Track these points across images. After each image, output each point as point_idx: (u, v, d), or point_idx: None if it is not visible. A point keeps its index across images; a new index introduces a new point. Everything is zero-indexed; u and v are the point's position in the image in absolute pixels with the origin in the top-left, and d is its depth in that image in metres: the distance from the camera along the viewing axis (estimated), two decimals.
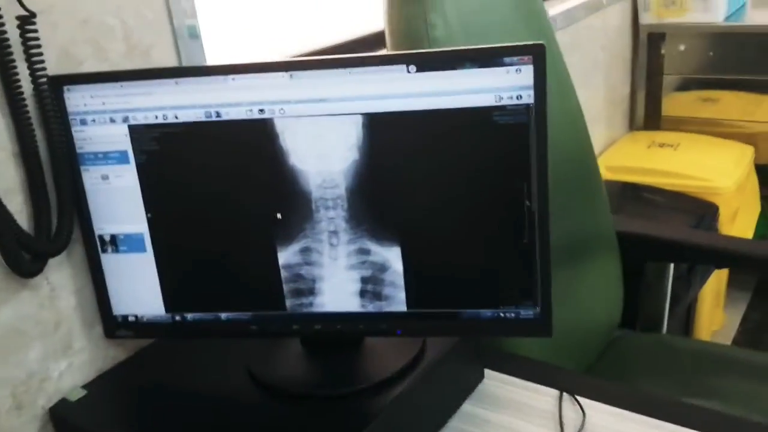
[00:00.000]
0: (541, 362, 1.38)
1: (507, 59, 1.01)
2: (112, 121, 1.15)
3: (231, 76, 1.11)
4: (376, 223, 1.29)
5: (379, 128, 1.10)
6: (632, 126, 3.39)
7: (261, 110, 1.13)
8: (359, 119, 1.11)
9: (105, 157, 1.18)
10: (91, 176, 1.20)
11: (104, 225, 1.23)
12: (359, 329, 1.24)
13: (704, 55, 3.19)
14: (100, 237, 1.23)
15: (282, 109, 1.12)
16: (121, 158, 1.18)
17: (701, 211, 2.55)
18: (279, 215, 1.31)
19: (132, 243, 1.22)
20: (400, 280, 1.20)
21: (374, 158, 1.12)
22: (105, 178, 1.19)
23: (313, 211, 1.24)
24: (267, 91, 1.11)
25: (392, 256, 1.29)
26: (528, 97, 1.03)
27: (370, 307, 1.32)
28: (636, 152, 3.02)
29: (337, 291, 1.23)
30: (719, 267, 2.58)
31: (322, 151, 1.13)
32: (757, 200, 3.22)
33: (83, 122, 1.15)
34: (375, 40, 2.03)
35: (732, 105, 3.10)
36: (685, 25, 3.05)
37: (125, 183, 1.19)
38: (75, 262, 1.25)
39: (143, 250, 1.23)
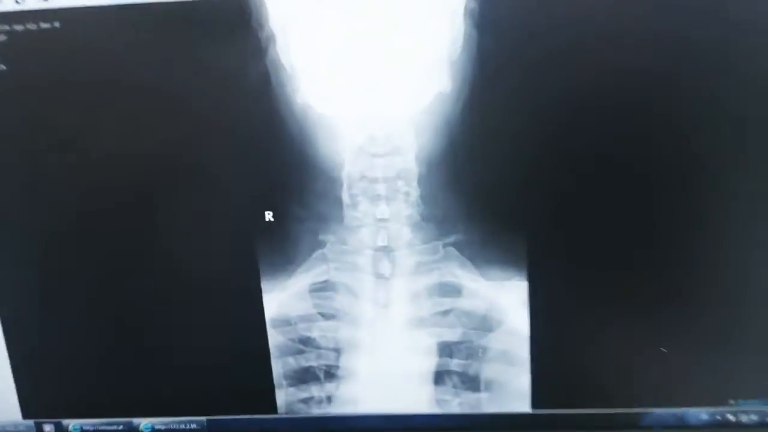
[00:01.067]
0: None
1: None
2: None
3: None
4: (481, 232, 0.59)
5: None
6: None
7: None
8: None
9: None
10: None
11: None
12: None
13: None
14: None
15: None
16: None
17: None
18: (269, 215, 0.60)
19: None
20: (524, 350, 0.63)
21: (493, 88, 0.53)
22: None
23: (343, 206, 0.60)
24: None
25: (508, 301, 0.60)
26: None
27: (456, 407, 0.63)
28: None
29: (388, 374, 0.62)
30: None
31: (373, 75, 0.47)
32: None
33: None
34: None
35: None
36: None
37: None
38: None
39: None
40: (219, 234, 0.62)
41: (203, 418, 0.67)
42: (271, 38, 0.57)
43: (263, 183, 0.59)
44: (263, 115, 0.58)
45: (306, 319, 0.63)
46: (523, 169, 0.58)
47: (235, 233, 0.61)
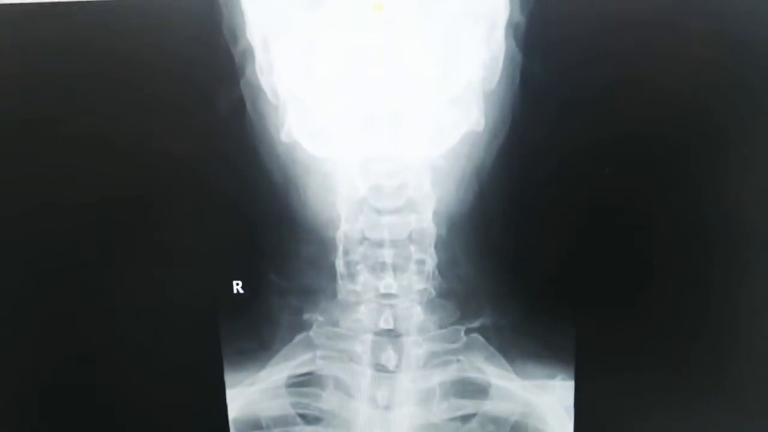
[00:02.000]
0: None
1: None
2: None
3: None
4: (515, 315, 0.47)
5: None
6: None
7: None
8: None
9: None
10: None
11: None
12: None
13: None
14: None
15: None
16: None
17: None
18: (237, 285, 0.45)
19: None
20: None
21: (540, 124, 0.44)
22: None
23: (336, 276, 0.48)
24: None
25: (549, 407, 0.50)
26: None
27: None
28: None
29: None
30: None
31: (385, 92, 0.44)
32: None
33: None
34: None
35: None
36: None
37: None
38: None
39: None
40: (171, 308, 0.47)
41: None
42: (249, 54, 0.44)
43: (232, 243, 0.45)
44: (235, 156, 0.44)
45: (282, 422, 0.49)
46: (573, 233, 0.45)
47: (191, 308, 0.47)
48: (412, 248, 0.47)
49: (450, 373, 0.49)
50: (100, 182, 0.46)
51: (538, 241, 0.46)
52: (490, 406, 0.49)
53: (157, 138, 0.45)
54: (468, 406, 0.49)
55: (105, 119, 0.45)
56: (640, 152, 0.44)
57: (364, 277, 0.47)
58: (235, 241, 0.47)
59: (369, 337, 0.48)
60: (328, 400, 0.50)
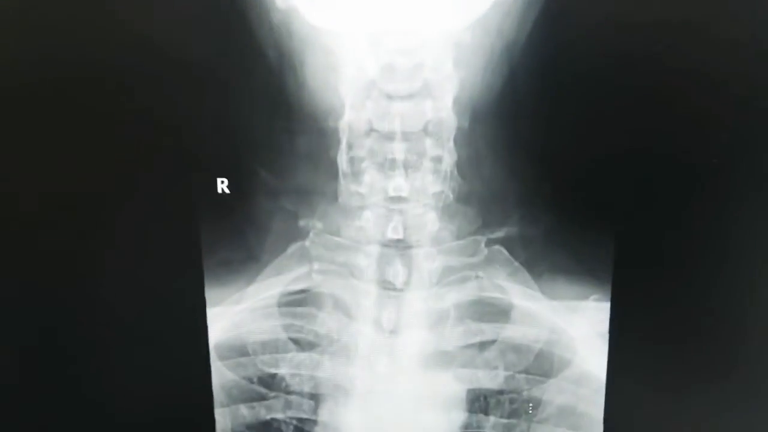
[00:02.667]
0: None
1: None
2: None
3: None
4: (547, 223, 0.41)
5: None
6: None
7: None
8: None
9: None
10: None
11: None
12: None
13: None
14: None
15: None
16: None
17: None
18: (222, 184, 0.38)
19: None
20: (596, 407, 0.45)
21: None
22: None
23: (338, 174, 0.42)
24: None
25: (580, 332, 0.44)
26: None
27: None
28: None
29: None
30: None
31: None
32: None
33: None
34: None
35: None
36: None
37: None
38: None
39: None
40: (140, 209, 0.40)
41: None
42: None
43: (214, 132, 0.38)
44: (218, 25, 0.37)
45: (271, 347, 0.42)
46: (620, 129, 0.38)
47: (165, 210, 0.40)
48: (428, 142, 0.40)
49: (467, 291, 0.42)
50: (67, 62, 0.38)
51: (578, 136, 0.39)
52: (511, 332, 0.43)
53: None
54: (486, 331, 0.43)
55: None
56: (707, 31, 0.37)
57: (370, 176, 0.40)
58: (218, 130, 0.39)
59: (374, 249, 0.42)
60: (325, 323, 0.43)
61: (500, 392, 0.43)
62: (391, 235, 0.41)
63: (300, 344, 0.43)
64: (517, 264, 0.41)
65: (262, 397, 0.44)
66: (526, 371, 0.43)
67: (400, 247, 0.42)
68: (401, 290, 0.42)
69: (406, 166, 0.40)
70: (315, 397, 0.44)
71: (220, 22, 0.38)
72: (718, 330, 0.42)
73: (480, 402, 0.44)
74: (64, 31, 0.38)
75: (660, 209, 0.40)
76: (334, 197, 0.41)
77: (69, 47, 0.39)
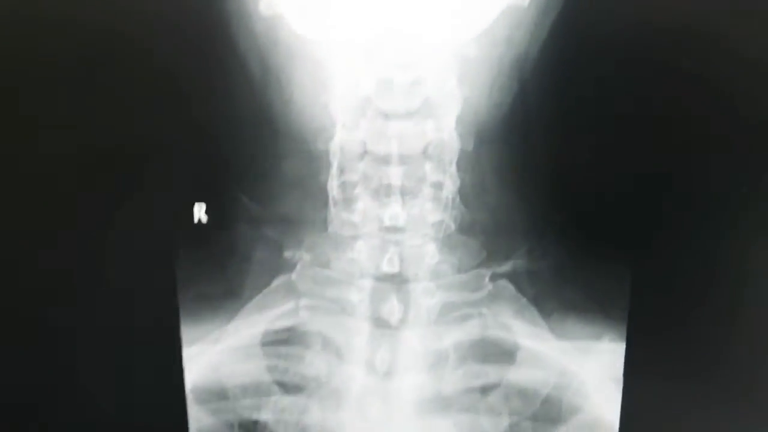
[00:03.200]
0: None
1: None
2: None
3: None
4: (557, 257, 0.37)
5: None
6: None
7: None
8: None
9: None
10: None
11: None
12: None
13: None
14: None
15: None
16: None
17: None
18: (199, 210, 0.34)
19: None
20: None
21: None
22: None
23: (328, 201, 0.38)
24: None
25: (592, 375, 0.41)
26: None
27: None
28: None
29: None
30: None
31: None
32: None
33: None
34: None
35: None
36: None
37: None
38: None
39: None
40: (112, 236, 0.36)
41: None
42: None
43: (192, 153, 0.34)
44: (197, 35, 0.33)
45: (253, 391, 0.38)
46: (641, 154, 0.35)
47: (138, 239, 0.36)
48: (428, 166, 0.36)
49: (469, 330, 0.38)
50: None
51: (593, 160, 0.35)
52: (516, 374, 0.39)
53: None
54: (489, 373, 0.39)
55: None
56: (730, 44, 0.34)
57: (363, 203, 0.37)
58: (194, 151, 0.35)
59: (367, 283, 0.38)
60: (313, 364, 0.39)
61: None
62: (386, 268, 0.38)
63: (285, 387, 0.39)
64: (524, 301, 0.38)
65: None
66: (533, 418, 0.39)
67: (396, 281, 0.38)
68: (397, 328, 0.38)
69: (404, 193, 0.36)
70: None
71: (196, 31, 0.34)
72: (745, 377, 0.38)
73: None
74: (48, 51, 0.35)
75: (682, 241, 0.36)
76: (324, 226, 0.37)
77: (46, 65, 0.35)
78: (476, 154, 0.36)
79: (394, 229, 0.37)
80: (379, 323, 0.38)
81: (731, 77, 0.34)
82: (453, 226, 0.37)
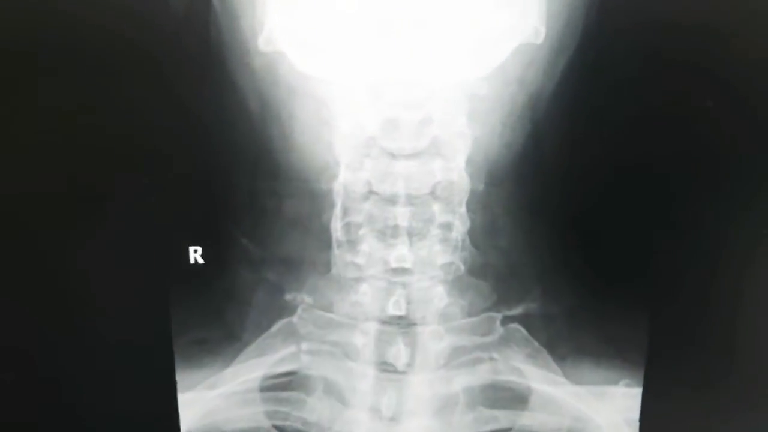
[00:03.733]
0: None
1: None
2: None
3: None
4: (571, 301, 0.36)
5: None
6: None
7: None
8: None
9: None
10: None
11: None
12: None
13: None
14: None
15: None
16: None
17: None
18: (195, 252, 0.32)
19: None
20: None
21: None
22: None
23: (331, 243, 0.36)
24: None
25: (608, 420, 0.39)
26: None
27: None
28: None
29: None
30: None
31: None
32: None
33: None
34: None
35: None
36: None
37: None
38: None
39: None
40: (104, 279, 0.34)
41: None
42: None
43: (188, 193, 0.33)
44: (194, 71, 0.31)
45: None
46: (658, 195, 0.33)
47: (132, 281, 0.34)
48: (436, 207, 0.34)
49: (479, 375, 0.37)
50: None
51: (609, 201, 0.34)
52: (529, 420, 0.37)
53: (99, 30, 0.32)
54: (500, 418, 0.37)
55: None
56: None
57: (368, 245, 0.35)
58: (190, 190, 0.34)
59: (372, 326, 0.36)
60: (315, 409, 0.37)
61: None
62: (392, 311, 0.36)
63: None
64: (537, 345, 0.36)
65: None
66: None
67: (403, 324, 0.36)
68: (403, 373, 0.37)
69: (411, 234, 0.35)
70: None
71: (195, 69, 0.32)
72: (766, 424, 0.37)
73: None
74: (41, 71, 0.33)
75: (701, 284, 0.35)
76: (327, 268, 0.35)
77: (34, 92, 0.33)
78: (486, 195, 0.34)
79: (401, 271, 0.35)
80: (385, 367, 0.37)
81: (753, 106, 0.33)
82: (463, 268, 0.35)
